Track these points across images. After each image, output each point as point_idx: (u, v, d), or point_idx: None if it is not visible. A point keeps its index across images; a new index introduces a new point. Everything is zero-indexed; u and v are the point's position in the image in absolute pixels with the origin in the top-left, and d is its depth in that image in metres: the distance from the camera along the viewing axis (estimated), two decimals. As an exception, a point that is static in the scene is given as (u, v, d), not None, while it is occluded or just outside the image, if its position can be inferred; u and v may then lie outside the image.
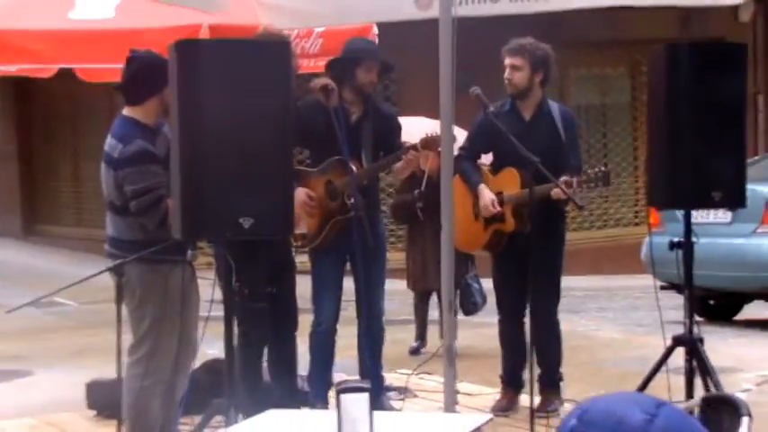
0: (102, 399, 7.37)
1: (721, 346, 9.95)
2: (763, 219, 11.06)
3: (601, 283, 15.21)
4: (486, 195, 7.08)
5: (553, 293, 7.15)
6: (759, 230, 11.23)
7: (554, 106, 7.19)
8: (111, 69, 7.68)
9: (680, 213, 11.65)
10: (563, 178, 6.68)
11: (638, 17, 16.33)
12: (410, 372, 7.77)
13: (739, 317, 12.27)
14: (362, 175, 6.84)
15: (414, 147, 6.80)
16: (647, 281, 13.28)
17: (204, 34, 6.86)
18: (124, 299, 5.90)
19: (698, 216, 11.80)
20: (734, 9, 17.53)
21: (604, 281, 15.41)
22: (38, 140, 21.78)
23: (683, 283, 6.36)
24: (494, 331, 7.48)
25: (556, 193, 6.75)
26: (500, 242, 7.13)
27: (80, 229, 20.26)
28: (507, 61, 7.02)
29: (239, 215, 5.04)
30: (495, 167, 7.24)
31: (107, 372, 8.78)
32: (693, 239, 6.32)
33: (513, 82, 7.03)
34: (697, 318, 11.98)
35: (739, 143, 6.13)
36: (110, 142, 5.93)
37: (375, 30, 8.19)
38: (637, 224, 16.73)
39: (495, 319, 7.47)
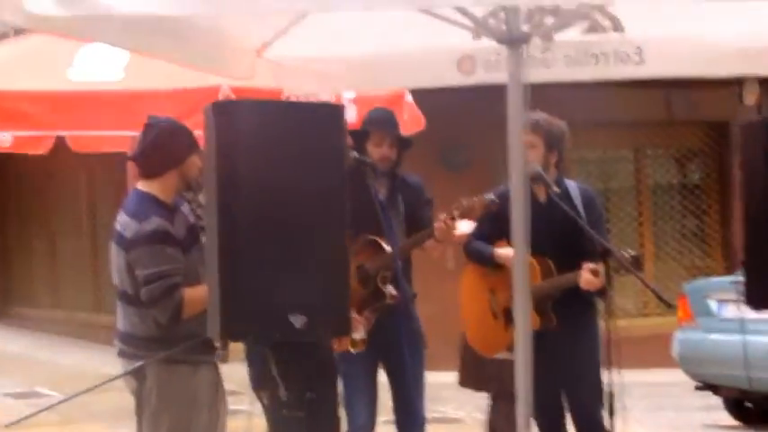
0: None
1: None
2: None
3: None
4: (508, 251, 5.97)
5: (597, 393, 6.09)
6: (778, 320, 10.40)
7: (572, 185, 6.31)
8: (109, 138, 6.89)
9: (714, 307, 11.17)
10: (588, 265, 5.86)
11: (634, 96, 15.79)
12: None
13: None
14: (396, 255, 5.99)
15: (451, 218, 5.95)
16: (660, 377, 12.54)
17: (224, 98, 6.06)
18: (137, 404, 5.07)
19: (735, 310, 11.04)
20: (738, 92, 17.03)
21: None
22: (11, 217, 20.91)
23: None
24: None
25: (587, 282, 5.87)
26: None
27: (57, 311, 19.36)
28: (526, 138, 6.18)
29: (288, 312, 4.22)
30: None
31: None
32: None
33: (529, 160, 5.93)
34: (734, 422, 11.37)
35: None
36: (122, 220, 5.09)
37: (408, 97, 7.36)
38: (645, 315, 15.92)
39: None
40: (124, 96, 6.53)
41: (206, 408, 5.08)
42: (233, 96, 6.19)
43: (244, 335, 4.31)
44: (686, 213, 17.09)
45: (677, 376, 11.81)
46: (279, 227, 4.23)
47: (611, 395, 5.59)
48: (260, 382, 4.74)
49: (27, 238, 20.64)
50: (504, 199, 6.08)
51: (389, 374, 6.33)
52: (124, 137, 6.81)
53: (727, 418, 11.27)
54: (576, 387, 6.04)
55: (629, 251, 5.91)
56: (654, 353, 12.73)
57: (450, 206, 5.95)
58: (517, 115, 4.85)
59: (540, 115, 6.09)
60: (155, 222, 4.98)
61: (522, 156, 4.94)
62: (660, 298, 5.57)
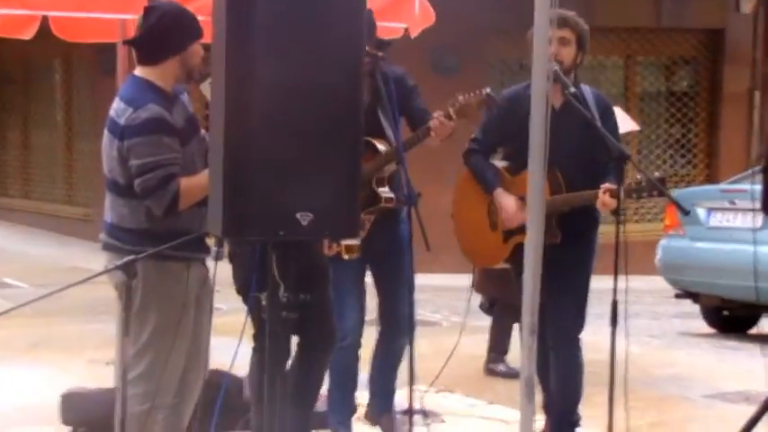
0: (79, 414, 6.25)
1: (761, 368, 8.95)
2: (800, 226, 10.09)
3: (600, 284, 14.16)
4: (509, 202, 5.85)
5: (578, 317, 5.92)
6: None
7: (587, 90, 5.94)
8: (97, 22, 6.55)
9: (703, 215, 11.03)
10: (607, 185, 5.54)
11: (626, 3, 15.51)
12: (425, 389, 6.66)
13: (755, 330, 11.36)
14: (391, 155, 5.74)
15: (447, 115, 5.67)
16: (651, 284, 12.40)
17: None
18: (123, 300, 4.79)
19: (723, 219, 10.93)
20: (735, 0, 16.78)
21: (603, 282, 14.34)
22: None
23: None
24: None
25: (604, 204, 5.55)
26: (523, 258, 5.88)
27: (28, 202, 19.09)
28: (554, 33, 5.73)
29: (296, 209, 3.99)
30: (515, 166, 5.91)
31: (68, 371, 7.88)
32: None
33: (560, 58, 5.70)
34: (710, 329, 11.29)
35: None
36: (117, 106, 4.82)
37: None
38: (636, 222, 15.78)
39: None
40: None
41: (193, 306, 4.88)
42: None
43: (248, 232, 4.06)
44: (673, 122, 16.93)
45: (657, 284, 11.71)
46: (291, 123, 3.98)
47: (615, 305, 5.41)
48: (257, 284, 4.50)
49: (1, 129, 20.29)
50: (511, 102, 5.83)
51: (376, 280, 6.13)
52: (112, 22, 6.50)
53: (702, 326, 11.21)
54: (560, 306, 5.74)
55: (655, 173, 5.62)
56: (638, 260, 12.61)
57: (445, 105, 5.71)
58: (544, 9, 4.57)
59: (569, 12, 5.73)
60: (152, 110, 4.71)
61: (545, 53, 4.64)
62: (682, 208, 5.38)
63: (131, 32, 6.58)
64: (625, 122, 11.61)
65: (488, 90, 5.69)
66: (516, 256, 5.81)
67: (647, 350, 9.84)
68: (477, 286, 7.92)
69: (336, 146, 4.04)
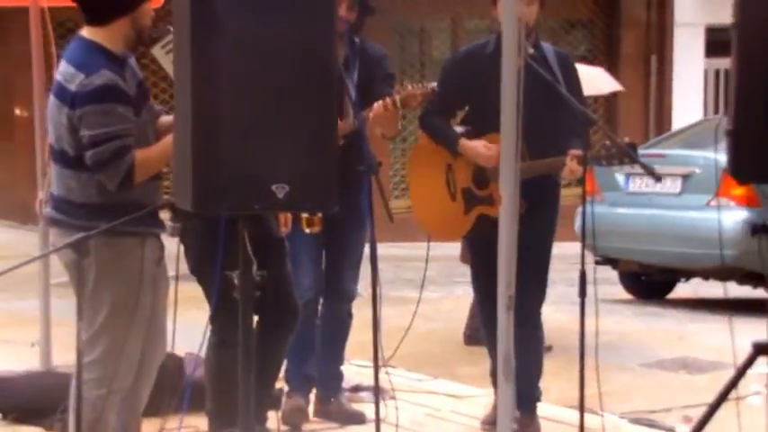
0: (8, 399, 5.90)
1: (691, 334, 8.97)
2: (718, 190, 10.10)
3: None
4: (478, 145, 5.54)
5: (540, 287, 5.74)
6: (713, 203, 10.27)
7: (548, 48, 5.68)
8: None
9: (622, 181, 10.98)
10: (573, 152, 5.35)
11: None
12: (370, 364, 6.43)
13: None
14: (343, 128, 5.50)
15: (393, 102, 5.47)
16: (566, 250, 12.35)
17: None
18: (72, 277, 4.53)
19: (642, 185, 10.90)
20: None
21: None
22: None
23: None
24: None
25: (572, 171, 5.36)
26: (485, 229, 5.53)
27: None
28: None
29: (271, 181, 3.74)
30: (474, 131, 5.65)
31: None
32: None
33: (522, 19, 5.31)
34: (628, 296, 11.28)
35: None
36: (65, 70, 4.48)
37: None
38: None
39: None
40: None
41: (150, 283, 4.58)
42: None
43: (220, 206, 3.79)
44: (572, 86, 16.90)
45: (575, 250, 11.66)
46: (262, 87, 3.73)
47: (583, 275, 5.24)
48: (224, 261, 4.22)
49: None
50: (468, 60, 5.59)
51: (327, 248, 5.89)
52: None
53: (620, 292, 11.21)
54: (521, 273, 5.49)
55: (625, 139, 5.33)
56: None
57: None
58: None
59: None
60: (105, 76, 4.38)
61: (513, 12, 4.42)
62: (651, 172, 5.20)
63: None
64: (608, 83, 11.53)
65: (434, 85, 5.52)
66: (479, 227, 5.60)
67: (573, 317, 9.76)
68: (463, 256, 7.64)
69: (311, 110, 3.80)
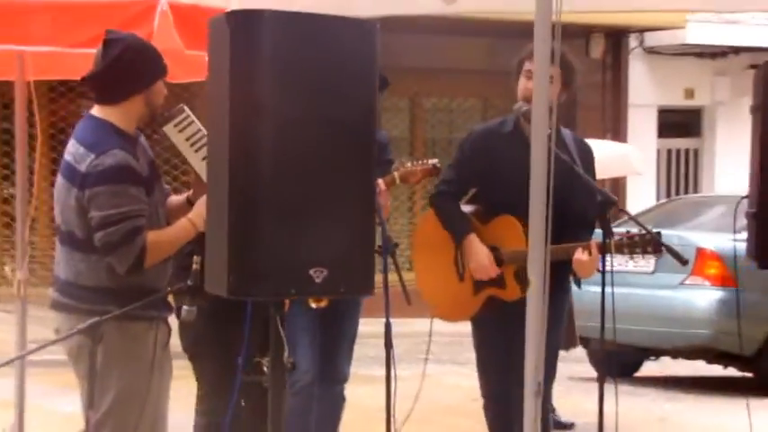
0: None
1: (671, 414, 8.86)
2: (692, 269, 10.06)
3: (446, 327, 13.92)
4: (481, 252, 5.36)
5: (552, 367, 5.42)
6: (687, 282, 10.24)
7: (566, 133, 5.51)
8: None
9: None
10: (592, 243, 5.18)
11: (481, 46, 15.42)
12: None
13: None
14: None
15: (392, 180, 5.38)
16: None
17: (161, 13, 5.18)
18: (78, 363, 4.34)
19: (615, 263, 10.79)
20: (585, 44, 16.91)
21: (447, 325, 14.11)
22: None
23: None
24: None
25: (581, 260, 5.18)
26: (494, 312, 5.42)
27: None
28: (533, 66, 5.07)
29: (309, 265, 3.58)
30: (484, 212, 5.48)
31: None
32: None
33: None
34: (596, 374, 11.15)
35: None
36: (74, 150, 4.31)
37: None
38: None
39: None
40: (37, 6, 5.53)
41: (158, 369, 4.40)
42: (169, 12, 5.31)
43: (257, 291, 3.62)
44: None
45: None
46: (300, 165, 3.59)
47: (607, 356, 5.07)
48: (259, 348, 4.06)
49: None
50: (484, 140, 5.46)
51: (321, 329, 5.70)
52: (9, 54, 5.85)
53: (589, 370, 11.09)
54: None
55: (650, 229, 5.19)
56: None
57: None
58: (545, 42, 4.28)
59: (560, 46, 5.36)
60: (117, 156, 4.22)
61: (545, 90, 4.33)
62: (680, 258, 5.08)
63: (30, 68, 6.05)
64: (630, 166, 11.42)
65: (436, 162, 5.44)
66: (487, 310, 5.45)
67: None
68: None
69: (350, 191, 3.67)
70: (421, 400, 8.97)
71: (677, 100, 17.84)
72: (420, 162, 5.47)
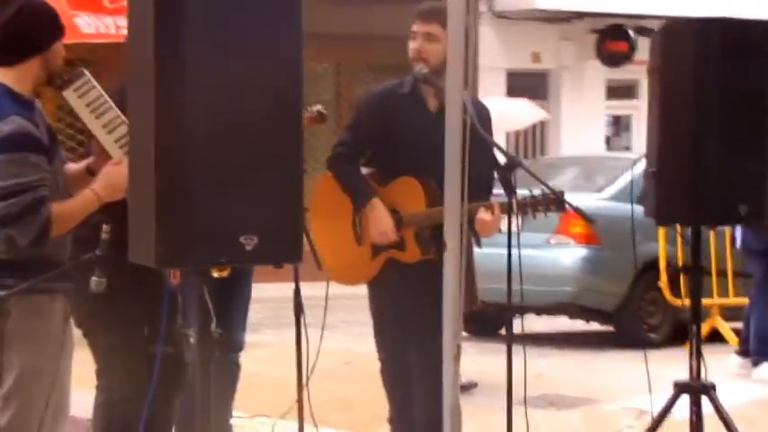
0: None
1: (546, 370, 8.98)
2: (557, 228, 10.21)
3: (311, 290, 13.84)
4: (383, 216, 5.23)
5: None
6: (552, 241, 10.39)
7: (464, 94, 5.46)
8: None
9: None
10: (494, 203, 5.13)
11: (335, 9, 15.41)
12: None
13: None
14: None
15: None
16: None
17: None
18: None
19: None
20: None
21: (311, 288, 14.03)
22: None
23: (694, 315, 5.15)
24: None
25: (481, 224, 5.14)
26: (393, 274, 5.32)
27: None
28: (419, 28, 5.20)
29: (240, 232, 3.48)
30: (383, 174, 5.36)
31: None
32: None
33: (425, 56, 5.16)
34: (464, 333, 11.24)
35: (763, 143, 5.03)
36: None
37: None
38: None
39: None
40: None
41: (60, 343, 4.23)
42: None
43: (187, 260, 3.50)
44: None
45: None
46: (229, 132, 3.49)
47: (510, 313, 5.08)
48: (187, 319, 3.92)
49: None
50: (382, 100, 5.35)
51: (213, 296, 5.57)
52: None
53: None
54: (431, 323, 4.88)
55: (553, 189, 5.13)
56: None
57: None
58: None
59: (443, 3, 5.25)
60: (15, 122, 4.02)
61: (460, 62, 4.27)
62: (587, 218, 5.10)
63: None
64: (534, 112, 11.41)
65: (320, 108, 5.38)
66: (385, 273, 5.38)
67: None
68: None
69: (279, 156, 3.57)
70: (292, 366, 9.00)
71: (525, 63, 18.10)
72: (306, 110, 5.25)
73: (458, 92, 4.33)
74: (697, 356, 5.12)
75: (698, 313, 5.18)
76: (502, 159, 5.18)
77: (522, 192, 5.15)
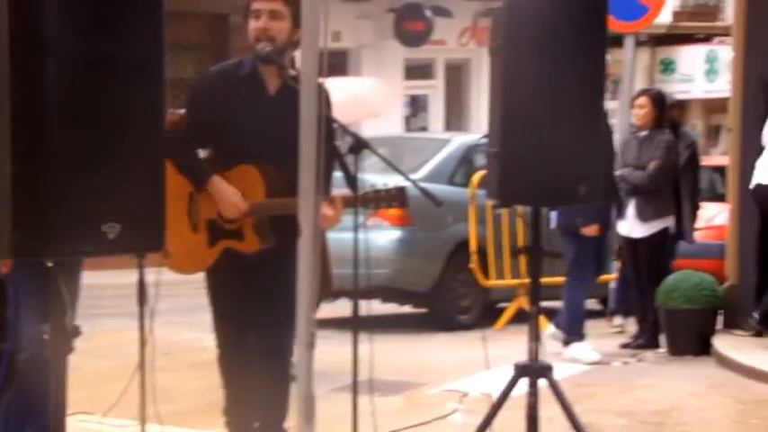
0: None
1: (377, 355, 8.94)
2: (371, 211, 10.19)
3: (114, 279, 13.50)
4: (228, 190, 5.00)
5: (291, 329, 4.95)
6: (368, 223, 10.34)
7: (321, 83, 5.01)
8: None
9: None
10: (336, 195, 5.03)
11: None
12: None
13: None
14: None
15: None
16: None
17: None
18: None
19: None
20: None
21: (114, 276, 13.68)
22: None
23: (533, 297, 5.21)
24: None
25: (326, 214, 4.91)
26: (231, 264, 5.13)
27: None
28: (263, 5, 5.03)
29: (102, 221, 3.31)
30: (221, 160, 5.11)
31: None
32: None
33: (271, 34, 4.98)
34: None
35: (601, 125, 5.12)
36: None
37: None
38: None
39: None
40: None
41: None
42: None
43: (45, 250, 3.30)
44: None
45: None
46: (89, 112, 3.30)
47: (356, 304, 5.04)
48: (40, 313, 3.71)
49: None
50: (219, 81, 5.16)
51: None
52: None
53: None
54: (273, 311, 5.12)
55: (396, 185, 5.02)
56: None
57: None
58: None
59: None
60: None
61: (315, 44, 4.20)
62: (435, 200, 5.03)
63: None
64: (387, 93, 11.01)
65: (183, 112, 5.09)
66: (223, 262, 5.22)
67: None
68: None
69: (140, 139, 3.40)
70: (110, 358, 8.74)
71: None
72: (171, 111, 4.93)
73: (313, 78, 4.26)
74: (536, 338, 5.18)
75: (537, 294, 5.24)
76: (345, 145, 5.09)
77: (365, 183, 5.09)
